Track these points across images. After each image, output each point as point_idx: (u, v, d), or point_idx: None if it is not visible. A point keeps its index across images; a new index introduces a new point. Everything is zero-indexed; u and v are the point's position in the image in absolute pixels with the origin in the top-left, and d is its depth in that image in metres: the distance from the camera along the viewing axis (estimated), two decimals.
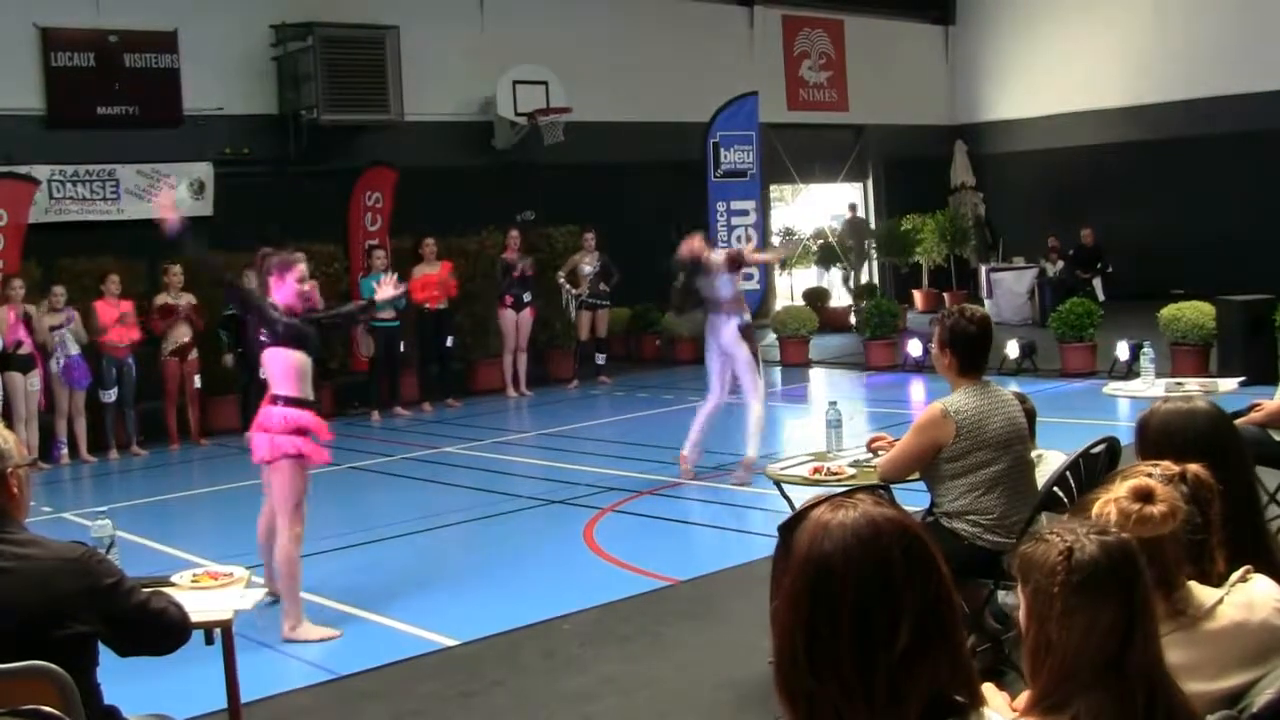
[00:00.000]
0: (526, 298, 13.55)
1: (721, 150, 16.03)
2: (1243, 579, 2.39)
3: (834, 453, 5.71)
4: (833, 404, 6.19)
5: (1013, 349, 12.76)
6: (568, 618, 5.74)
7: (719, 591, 6.07)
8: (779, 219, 20.35)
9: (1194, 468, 2.48)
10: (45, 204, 12.28)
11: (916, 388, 12.67)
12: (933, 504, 4.51)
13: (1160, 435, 2.89)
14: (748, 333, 8.51)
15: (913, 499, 4.49)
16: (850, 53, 20.36)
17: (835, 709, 1.68)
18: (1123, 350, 11.36)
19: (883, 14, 20.77)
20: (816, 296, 18.71)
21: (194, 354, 11.50)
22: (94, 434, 11.08)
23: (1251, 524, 2.73)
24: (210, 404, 11.91)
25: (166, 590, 3.28)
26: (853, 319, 17.74)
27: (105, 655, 2.91)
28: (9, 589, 2.70)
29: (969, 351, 4.44)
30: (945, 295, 19.31)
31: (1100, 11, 19.33)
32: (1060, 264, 17.58)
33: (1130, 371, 10.47)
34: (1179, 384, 7.56)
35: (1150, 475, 2.38)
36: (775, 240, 18.94)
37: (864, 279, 19.62)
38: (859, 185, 21.10)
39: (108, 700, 2.95)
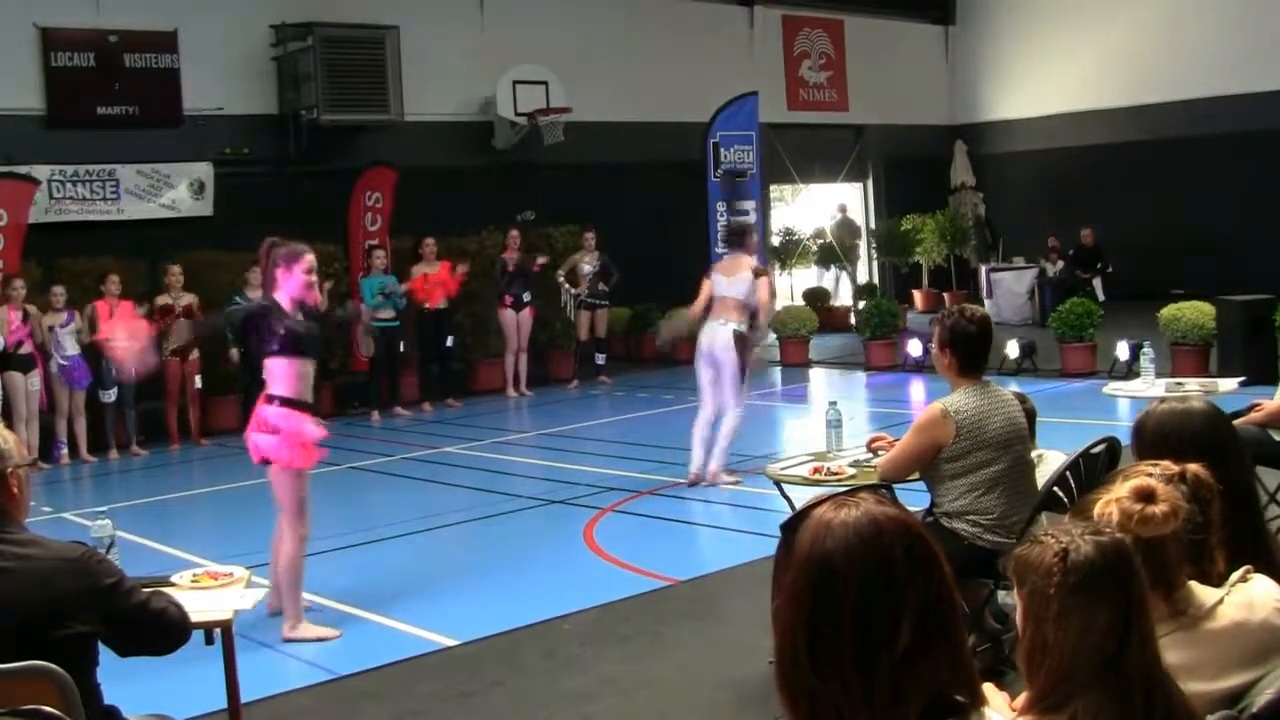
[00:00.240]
0: (526, 298, 13.55)
1: (721, 150, 16.05)
2: (1243, 579, 2.39)
3: (834, 453, 5.70)
4: (833, 404, 6.18)
5: (1013, 349, 12.76)
6: (568, 618, 5.74)
7: (719, 591, 6.07)
8: (779, 219, 20.35)
9: (1193, 467, 2.47)
10: (45, 204, 12.27)
11: (916, 388, 12.67)
12: (933, 504, 4.51)
13: (1156, 436, 2.89)
14: (742, 341, 8.20)
15: (913, 499, 4.49)
16: (850, 53, 20.35)
17: (836, 708, 1.68)
18: (1123, 350, 11.36)
19: (883, 14, 20.76)
20: (816, 296, 18.71)
21: (195, 354, 11.50)
22: (94, 434, 11.08)
23: (1251, 524, 2.72)
24: (211, 404, 11.91)
25: (166, 590, 3.27)
26: (852, 319, 17.75)
27: (105, 655, 2.91)
28: (9, 589, 2.70)
29: (969, 351, 4.44)
30: (945, 295, 19.30)
31: (1100, 11, 19.32)
32: (1060, 264, 17.58)
33: (1130, 371, 10.47)
34: (1179, 384, 7.56)
35: (1150, 475, 2.38)
36: (774, 240, 18.94)
37: (859, 279, 19.61)
38: (859, 185, 21.10)
39: (108, 700, 2.94)
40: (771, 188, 19.27)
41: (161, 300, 11.42)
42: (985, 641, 4.49)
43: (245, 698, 4.16)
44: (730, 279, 8.29)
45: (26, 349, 10.33)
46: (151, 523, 8.25)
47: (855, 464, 5.25)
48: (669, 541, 7.35)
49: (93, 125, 12.84)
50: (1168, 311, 11.70)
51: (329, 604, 6.11)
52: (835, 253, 19.15)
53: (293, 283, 5.62)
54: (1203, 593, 2.35)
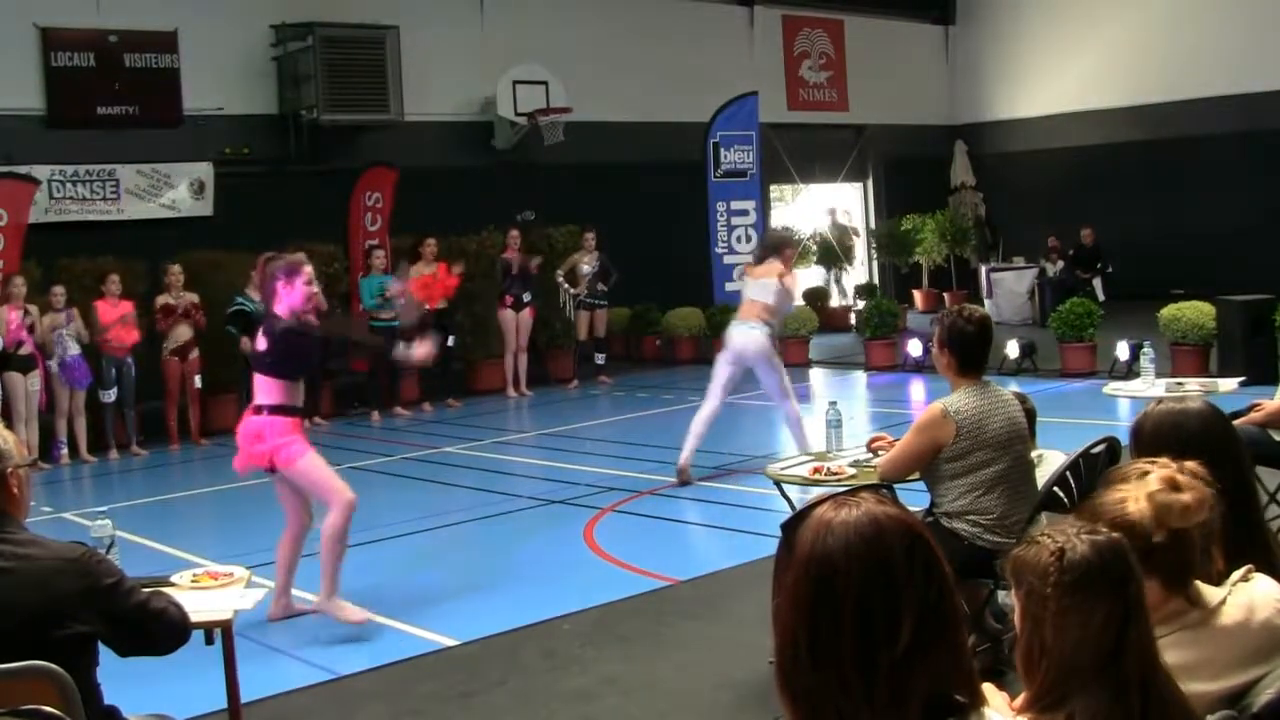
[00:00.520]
0: (526, 298, 13.54)
1: (721, 150, 16.05)
2: (1244, 579, 2.39)
3: (834, 453, 5.71)
4: (833, 404, 6.19)
5: (1013, 349, 12.75)
6: (568, 618, 5.74)
7: (719, 591, 6.07)
8: (779, 219, 20.34)
9: (1191, 465, 2.47)
10: (45, 204, 12.27)
11: (916, 388, 12.67)
12: (933, 504, 4.51)
13: (1155, 436, 2.88)
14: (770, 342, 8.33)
15: (913, 499, 4.49)
16: (850, 53, 20.36)
17: (836, 707, 1.68)
18: (1123, 350, 11.36)
19: (883, 14, 20.77)
20: (816, 296, 18.71)
21: (195, 353, 11.50)
22: (94, 434, 11.08)
23: (1250, 523, 2.72)
24: (211, 404, 11.90)
25: (166, 590, 3.27)
26: (852, 319, 17.75)
27: (105, 655, 2.91)
28: (9, 589, 2.70)
29: (968, 351, 4.45)
30: (945, 295, 19.30)
31: (1100, 11, 19.33)
32: (1060, 264, 17.58)
33: (1130, 371, 10.47)
34: (1179, 384, 7.56)
35: (1148, 474, 2.37)
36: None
37: (855, 280, 19.62)
38: (859, 185, 21.11)
39: (108, 700, 2.94)
40: (771, 188, 19.27)
41: (163, 300, 11.42)
42: (985, 641, 4.49)
43: (245, 698, 4.16)
44: (759, 283, 8.40)
45: (27, 349, 10.33)
46: (151, 523, 8.24)
47: (855, 464, 5.26)
48: (669, 541, 7.35)
49: (93, 125, 12.85)
50: (1168, 311, 11.71)
51: None
52: (834, 253, 19.15)
53: (295, 295, 5.63)
54: (1208, 592, 2.34)
